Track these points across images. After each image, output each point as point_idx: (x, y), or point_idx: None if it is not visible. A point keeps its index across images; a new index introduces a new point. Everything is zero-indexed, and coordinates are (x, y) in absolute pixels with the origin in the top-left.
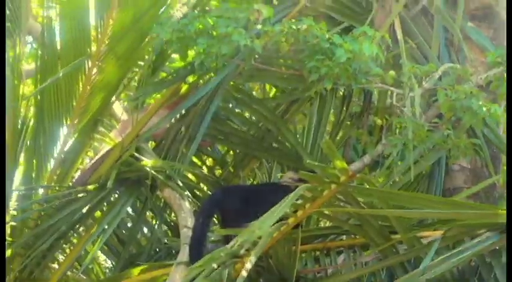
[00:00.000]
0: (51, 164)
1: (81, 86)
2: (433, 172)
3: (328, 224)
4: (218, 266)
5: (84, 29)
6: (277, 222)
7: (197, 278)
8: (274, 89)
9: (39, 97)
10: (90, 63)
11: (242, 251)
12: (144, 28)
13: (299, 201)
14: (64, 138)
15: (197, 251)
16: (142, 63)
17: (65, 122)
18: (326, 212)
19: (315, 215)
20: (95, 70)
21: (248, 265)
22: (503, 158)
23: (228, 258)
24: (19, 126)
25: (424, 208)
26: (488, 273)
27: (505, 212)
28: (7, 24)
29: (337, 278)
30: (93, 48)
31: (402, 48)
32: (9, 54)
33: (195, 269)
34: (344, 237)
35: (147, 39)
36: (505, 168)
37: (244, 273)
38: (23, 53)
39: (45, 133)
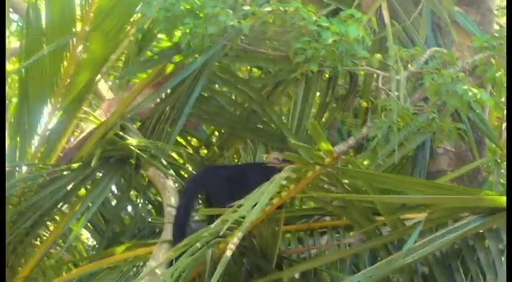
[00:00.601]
0: (35, 141)
1: (66, 64)
2: (417, 155)
3: (312, 205)
4: (202, 246)
5: (70, 7)
6: None
7: (181, 258)
8: (260, 71)
9: (23, 75)
10: (75, 41)
11: (226, 231)
12: (129, 6)
13: (283, 182)
14: (48, 116)
15: (181, 230)
16: (128, 42)
17: (49, 100)
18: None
19: (299, 196)
20: (80, 48)
21: (232, 245)
22: (488, 142)
23: (211, 238)
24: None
25: (408, 191)
26: (471, 256)
27: (489, 196)
28: None
29: (321, 259)
30: (79, 26)
31: (389, 31)
32: None
33: (179, 248)
34: (328, 218)
35: (133, 18)
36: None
37: (228, 253)
38: (8, 30)
39: (29, 111)
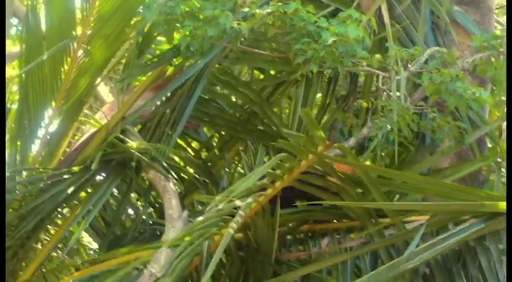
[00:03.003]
0: (36, 145)
1: (66, 68)
2: (417, 154)
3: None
4: (197, 238)
5: (70, 11)
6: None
7: (177, 250)
8: (260, 72)
9: (24, 79)
10: (75, 45)
11: (220, 224)
12: (130, 10)
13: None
14: (49, 120)
15: None
16: (128, 45)
17: (50, 104)
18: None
19: None
20: (80, 52)
21: (227, 235)
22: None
23: (207, 230)
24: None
25: (408, 186)
26: (473, 260)
27: (490, 202)
28: None
29: (322, 263)
30: (79, 30)
31: (388, 32)
32: None
33: (176, 240)
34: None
35: (133, 21)
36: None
37: (224, 241)
38: (7, 34)
39: (30, 115)
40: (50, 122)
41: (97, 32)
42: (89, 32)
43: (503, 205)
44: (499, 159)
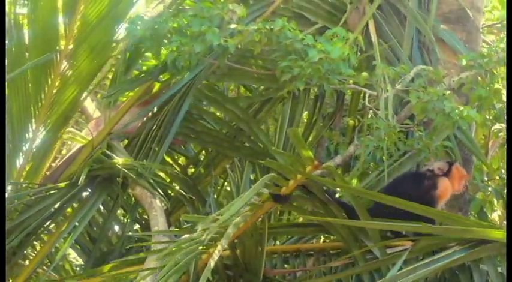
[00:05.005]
0: (20, 160)
1: (49, 81)
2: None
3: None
4: (185, 256)
5: (53, 24)
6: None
7: (164, 268)
8: (247, 89)
9: (7, 92)
10: (58, 58)
11: (208, 243)
12: (114, 22)
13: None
14: (33, 134)
15: None
16: (114, 60)
17: (33, 118)
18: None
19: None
20: (63, 65)
21: (215, 255)
22: (475, 160)
23: (194, 249)
24: None
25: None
26: None
27: (476, 228)
28: None
29: None
30: (62, 43)
31: (376, 50)
32: None
33: (163, 258)
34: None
35: (118, 35)
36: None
37: (211, 264)
38: None
39: (13, 128)
40: (34, 135)
41: (80, 44)
42: (72, 45)
43: (488, 232)
44: (485, 178)
